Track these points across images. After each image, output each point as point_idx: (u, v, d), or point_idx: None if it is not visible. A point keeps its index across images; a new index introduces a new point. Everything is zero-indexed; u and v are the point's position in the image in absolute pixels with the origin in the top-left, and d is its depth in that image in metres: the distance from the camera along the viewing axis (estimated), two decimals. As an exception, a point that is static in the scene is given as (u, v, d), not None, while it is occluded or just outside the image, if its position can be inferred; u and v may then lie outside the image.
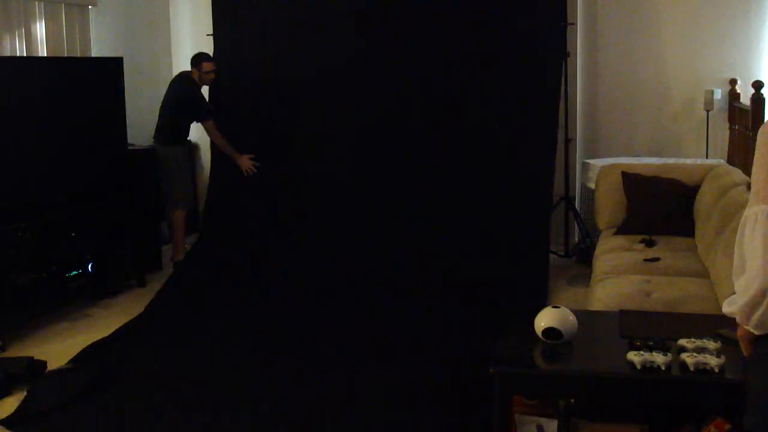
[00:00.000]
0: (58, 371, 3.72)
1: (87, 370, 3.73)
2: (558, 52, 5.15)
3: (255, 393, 3.47)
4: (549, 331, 2.53)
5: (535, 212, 5.02)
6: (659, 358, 2.32)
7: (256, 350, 3.97)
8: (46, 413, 3.28)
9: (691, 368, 2.30)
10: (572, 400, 2.75)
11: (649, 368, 2.32)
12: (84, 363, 3.84)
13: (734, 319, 1.66)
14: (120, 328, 4.35)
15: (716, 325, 2.60)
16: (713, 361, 2.28)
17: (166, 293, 4.92)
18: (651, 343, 2.43)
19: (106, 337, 4.19)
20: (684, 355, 2.35)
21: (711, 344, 2.39)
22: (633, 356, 2.35)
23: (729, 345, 2.47)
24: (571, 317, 2.56)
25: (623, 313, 2.87)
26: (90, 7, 5.43)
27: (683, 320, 2.85)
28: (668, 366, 2.32)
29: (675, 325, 2.77)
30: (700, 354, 2.33)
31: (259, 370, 3.70)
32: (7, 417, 3.26)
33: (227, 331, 4.27)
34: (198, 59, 5.52)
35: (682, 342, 2.43)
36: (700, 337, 2.45)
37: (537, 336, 2.56)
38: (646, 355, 2.34)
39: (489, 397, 2.53)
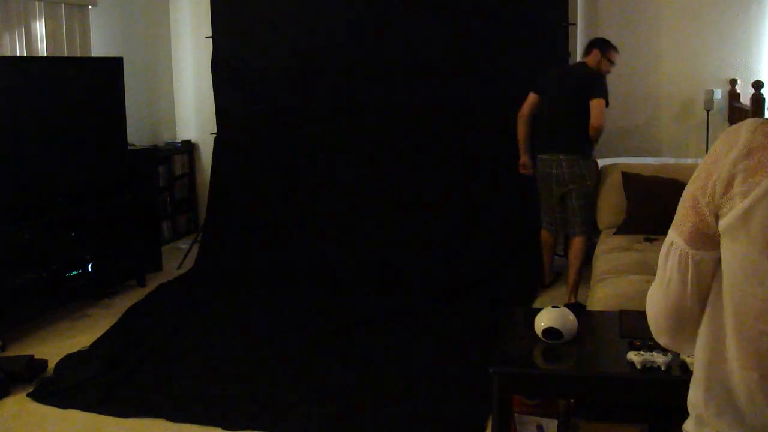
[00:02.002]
0: (78, 353, 3.89)
1: (104, 350, 3.93)
2: (558, 52, 5.15)
3: (260, 376, 3.62)
4: (549, 331, 2.54)
5: (533, 212, 5.03)
6: (659, 358, 2.32)
7: (260, 339, 4.12)
8: (70, 388, 3.47)
9: (691, 368, 2.29)
10: (572, 400, 2.75)
11: (649, 368, 2.32)
12: (101, 344, 4.06)
13: None
14: (128, 310, 4.62)
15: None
16: (713, 361, 2.28)
17: (171, 284, 5.21)
18: (651, 343, 2.42)
19: (117, 322, 4.43)
20: (684, 355, 2.35)
21: (711, 344, 2.39)
22: (633, 356, 2.35)
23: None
24: (571, 317, 2.57)
25: (623, 313, 2.86)
26: (90, 7, 5.42)
27: (683, 320, 2.84)
28: (668, 366, 2.32)
29: (675, 325, 2.76)
30: (700, 354, 2.33)
31: (264, 356, 3.88)
32: (33, 391, 3.45)
33: (233, 318, 4.51)
34: None
35: (682, 342, 2.43)
36: (700, 337, 2.44)
37: (537, 336, 2.57)
38: (646, 355, 2.34)
39: (489, 397, 2.53)
